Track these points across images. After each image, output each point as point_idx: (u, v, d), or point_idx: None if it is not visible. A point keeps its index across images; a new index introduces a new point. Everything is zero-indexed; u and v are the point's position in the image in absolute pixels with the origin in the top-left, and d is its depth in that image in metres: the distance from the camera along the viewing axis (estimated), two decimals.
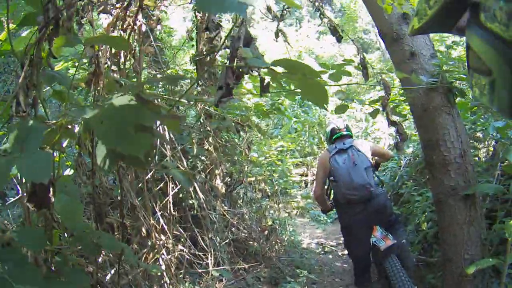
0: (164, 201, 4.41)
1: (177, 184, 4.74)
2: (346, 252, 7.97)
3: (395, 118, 3.68)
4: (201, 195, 5.18)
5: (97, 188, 3.07)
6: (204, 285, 4.77)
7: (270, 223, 6.21)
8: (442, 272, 3.95)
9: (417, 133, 5.35)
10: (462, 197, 3.43)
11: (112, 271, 3.06)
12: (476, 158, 5.44)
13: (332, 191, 5.04)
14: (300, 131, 11.01)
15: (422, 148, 4.01)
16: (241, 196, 6.85)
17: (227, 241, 5.92)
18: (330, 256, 7.74)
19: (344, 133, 4.94)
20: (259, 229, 6.28)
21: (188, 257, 4.76)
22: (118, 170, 2.40)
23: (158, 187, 4.54)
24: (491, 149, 5.48)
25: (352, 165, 4.32)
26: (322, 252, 7.94)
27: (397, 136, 3.71)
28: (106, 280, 2.97)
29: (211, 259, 5.01)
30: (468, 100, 4.33)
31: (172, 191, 4.56)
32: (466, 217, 3.40)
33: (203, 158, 5.79)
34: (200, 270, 4.93)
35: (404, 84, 3.95)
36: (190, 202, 5.35)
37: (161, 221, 4.19)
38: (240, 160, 6.34)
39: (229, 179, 6.45)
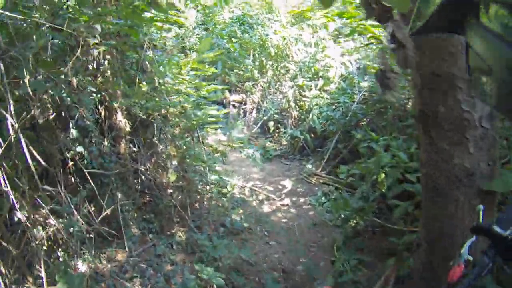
0: None
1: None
2: (284, 202, 6.88)
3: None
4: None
5: None
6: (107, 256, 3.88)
7: (173, 178, 4.69)
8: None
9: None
10: (480, 192, 2.05)
11: None
12: None
13: None
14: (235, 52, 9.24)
15: (414, 87, 2.34)
16: (155, 133, 5.21)
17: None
18: (266, 207, 6.49)
19: None
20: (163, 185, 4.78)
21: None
22: None
23: None
24: None
25: None
26: (256, 201, 6.68)
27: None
28: None
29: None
30: None
31: None
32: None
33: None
34: None
35: None
36: (79, 150, 3.70)
37: None
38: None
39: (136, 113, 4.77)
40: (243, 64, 9.84)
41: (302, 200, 6.87)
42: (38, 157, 2.61)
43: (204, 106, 5.28)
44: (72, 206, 3.11)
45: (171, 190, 4.82)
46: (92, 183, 3.36)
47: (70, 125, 3.54)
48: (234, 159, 9.08)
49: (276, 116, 9.78)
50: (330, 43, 9.59)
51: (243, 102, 11.18)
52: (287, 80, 10.81)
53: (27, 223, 2.73)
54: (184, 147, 5.21)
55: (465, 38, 0.88)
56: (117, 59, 4.54)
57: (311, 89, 8.90)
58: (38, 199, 2.81)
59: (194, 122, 4.88)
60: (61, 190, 3.13)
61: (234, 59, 9.67)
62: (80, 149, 3.56)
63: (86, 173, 3.27)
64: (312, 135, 8.60)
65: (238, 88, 11.18)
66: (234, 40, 9.29)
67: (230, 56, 9.31)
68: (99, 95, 4.23)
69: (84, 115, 3.68)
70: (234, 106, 11.19)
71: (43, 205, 2.78)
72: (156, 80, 4.98)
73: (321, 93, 8.73)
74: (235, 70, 10.53)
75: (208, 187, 5.79)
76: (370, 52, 9.26)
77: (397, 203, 4.35)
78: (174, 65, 4.77)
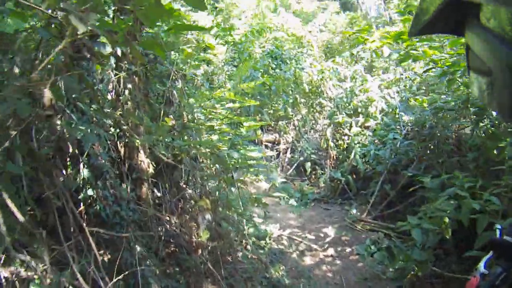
0: None
1: None
2: (328, 252, 6.06)
3: None
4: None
5: None
6: None
7: (206, 236, 3.96)
8: None
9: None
10: None
11: None
12: None
13: None
14: (270, 88, 8.62)
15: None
16: (183, 176, 4.58)
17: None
18: (308, 259, 5.68)
19: None
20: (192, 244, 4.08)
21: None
22: None
23: None
24: None
25: None
26: (297, 252, 5.87)
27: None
28: None
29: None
30: None
31: None
32: None
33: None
34: None
35: None
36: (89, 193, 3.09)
37: None
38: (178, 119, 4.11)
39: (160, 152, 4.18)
40: (278, 100, 9.25)
41: (348, 250, 6.03)
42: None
43: (242, 146, 4.54)
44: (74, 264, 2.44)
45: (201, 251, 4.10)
46: (101, 237, 2.69)
47: (81, 163, 2.93)
48: (268, 202, 8.35)
49: (313, 156, 9.05)
50: (368, 76, 8.97)
51: (276, 142, 10.54)
52: (321, 118, 10.18)
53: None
54: (218, 195, 4.53)
55: (465, 38, 0.82)
56: (139, 88, 4.00)
57: (351, 127, 8.18)
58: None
59: (231, 165, 4.18)
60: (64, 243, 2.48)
61: (268, 96, 9.10)
62: (90, 192, 2.93)
63: (87, 228, 2.60)
64: (354, 176, 7.81)
65: (270, 127, 10.58)
66: (266, 75, 8.77)
67: (264, 93, 8.75)
68: (117, 130, 3.65)
69: (98, 153, 3.08)
70: (266, 147, 10.55)
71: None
72: (185, 115, 4.40)
73: (362, 130, 8.00)
74: (265, 109, 9.99)
75: (244, 240, 5.05)
76: (410, 81, 8.59)
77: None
78: (205, 97, 4.16)
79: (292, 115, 10.05)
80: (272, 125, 10.51)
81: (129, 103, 4.20)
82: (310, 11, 16.83)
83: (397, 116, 7.63)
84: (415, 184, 5.98)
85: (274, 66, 9.18)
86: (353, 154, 7.63)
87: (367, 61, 10.24)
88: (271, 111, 10.25)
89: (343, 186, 7.91)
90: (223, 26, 7.90)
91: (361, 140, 7.62)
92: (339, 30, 12.61)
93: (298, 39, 10.60)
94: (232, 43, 11.05)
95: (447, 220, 4.37)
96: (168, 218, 4.19)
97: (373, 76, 9.08)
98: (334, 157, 8.84)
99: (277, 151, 10.40)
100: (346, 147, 8.38)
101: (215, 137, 4.08)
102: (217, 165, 4.32)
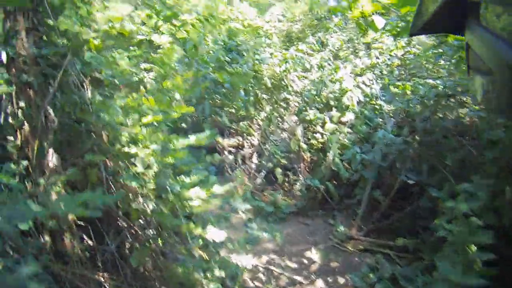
0: None
1: None
2: (317, 285, 4.88)
3: None
4: None
5: None
6: None
7: None
8: None
9: None
10: None
11: None
12: None
13: None
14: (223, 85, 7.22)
15: None
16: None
17: None
18: None
19: None
20: None
21: None
22: None
23: None
24: None
25: None
26: None
27: None
28: None
29: None
30: None
31: None
32: None
33: None
34: None
35: None
36: None
37: None
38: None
39: None
40: (236, 99, 7.92)
41: (341, 280, 4.88)
42: None
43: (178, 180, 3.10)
44: None
45: None
46: None
47: None
48: (237, 221, 7.07)
49: (283, 161, 7.80)
50: (339, 63, 7.80)
51: (240, 146, 9.25)
52: (288, 115, 8.96)
53: None
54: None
55: (465, 38, 0.82)
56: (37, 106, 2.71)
57: (324, 123, 6.99)
58: None
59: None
60: None
61: (224, 95, 7.76)
62: None
63: None
64: (335, 182, 6.65)
65: (232, 130, 9.29)
66: (219, 70, 7.40)
67: (218, 91, 7.40)
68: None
69: None
70: (230, 152, 9.25)
71: None
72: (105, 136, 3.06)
73: (338, 127, 6.83)
74: (225, 108, 8.67)
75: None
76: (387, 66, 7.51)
77: None
78: (122, 110, 2.80)
79: (254, 113, 8.76)
80: (233, 127, 9.23)
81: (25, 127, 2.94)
82: (266, 1, 15.52)
83: (378, 107, 6.53)
84: (410, 188, 4.91)
85: (228, 59, 7.83)
86: (331, 156, 6.46)
87: (334, 47, 9.08)
88: (233, 110, 8.94)
89: (322, 195, 6.74)
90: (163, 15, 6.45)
91: (338, 138, 6.43)
92: (298, 18, 11.44)
93: (255, 29, 9.28)
94: (183, 38, 9.63)
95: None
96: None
97: (344, 61, 7.90)
98: (308, 159, 7.65)
99: (242, 156, 9.11)
100: (321, 147, 7.20)
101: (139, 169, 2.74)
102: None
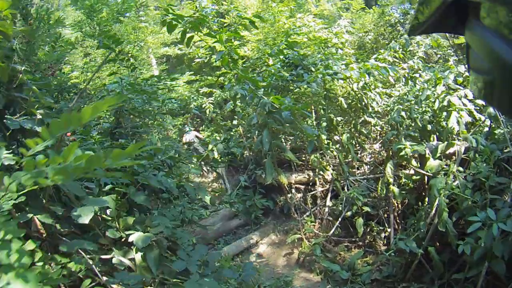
0: None
1: None
2: None
3: None
4: None
5: None
6: None
7: None
8: None
9: None
10: None
11: None
12: None
13: None
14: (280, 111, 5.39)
15: None
16: None
17: None
18: None
19: None
20: None
21: None
22: None
23: None
24: None
25: None
26: None
27: None
28: None
29: None
30: None
31: None
32: None
33: None
34: None
35: None
36: None
37: None
38: None
39: None
40: (298, 129, 6.11)
41: None
42: None
43: None
44: None
45: None
46: None
47: None
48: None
49: (366, 208, 5.79)
50: (433, 72, 5.70)
51: (311, 183, 7.41)
52: (369, 143, 6.97)
53: None
54: None
55: (465, 38, 0.77)
56: None
57: (426, 159, 4.91)
58: None
59: None
60: None
61: (286, 121, 5.92)
62: None
63: None
64: (438, 244, 4.55)
65: (301, 164, 7.50)
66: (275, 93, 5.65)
67: (275, 117, 5.64)
68: None
69: None
70: (297, 190, 7.46)
71: None
72: None
73: (446, 163, 4.76)
74: (283, 136, 6.90)
75: None
76: None
77: None
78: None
79: (328, 143, 6.89)
80: (302, 160, 7.44)
81: None
82: (332, 12, 13.59)
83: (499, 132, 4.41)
84: None
85: (292, 76, 6.09)
86: (435, 209, 4.39)
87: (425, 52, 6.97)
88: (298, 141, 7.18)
89: (420, 262, 4.66)
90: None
91: (446, 182, 4.34)
92: (369, 28, 9.48)
93: (323, 42, 7.44)
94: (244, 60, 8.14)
95: None
96: None
97: (442, 70, 5.76)
98: (399, 207, 5.60)
99: (312, 196, 7.25)
100: (418, 190, 5.14)
101: None
102: None
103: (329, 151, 6.86)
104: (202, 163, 6.46)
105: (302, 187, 7.45)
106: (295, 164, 7.49)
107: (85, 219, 2.34)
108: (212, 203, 5.16)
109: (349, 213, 6.02)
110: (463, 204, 3.87)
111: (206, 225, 5.90)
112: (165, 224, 2.78)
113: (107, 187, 2.79)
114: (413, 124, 5.45)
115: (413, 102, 5.39)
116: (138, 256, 2.64)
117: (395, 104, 5.73)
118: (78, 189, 2.42)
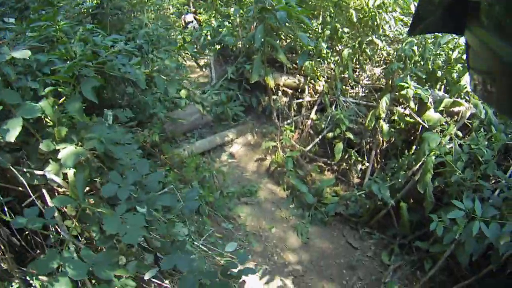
0: None
1: None
2: None
3: None
4: None
5: None
6: None
7: None
8: None
9: None
10: None
11: None
12: None
13: None
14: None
15: None
16: None
17: None
18: None
19: None
20: None
21: None
22: None
23: None
24: None
25: None
26: None
27: None
28: None
29: None
30: None
31: None
32: None
33: None
34: None
35: None
36: None
37: None
38: None
39: None
40: (300, 34, 5.48)
41: None
42: None
43: None
44: None
45: None
46: None
47: None
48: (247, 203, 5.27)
49: (349, 134, 5.56)
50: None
51: (299, 89, 7.01)
52: (370, 66, 6.45)
53: None
54: None
55: (465, 38, 0.80)
56: None
57: (426, 108, 4.56)
58: None
59: None
60: None
61: (281, 22, 5.18)
62: None
63: None
64: (411, 201, 4.47)
65: (294, 67, 6.97)
66: None
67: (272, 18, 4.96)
68: None
69: None
70: (284, 93, 7.06)
71: None
72: None
73: (446, 120, 4.44)
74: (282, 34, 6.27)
75: None
76: None
77: None
78: None
79: (327, 53, 6.34)
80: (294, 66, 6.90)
81: None
82: None
83: None
84: None
85: None
86: (419, 165, 4.20)
87: None
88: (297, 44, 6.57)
89: (388, 214, 4.63)
90: None
91: (440, 142, 4.07)
92: None
93: None
94: None
95: None
96: None
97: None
98: (383, 145, 5.38)
99: (297, 104, 6.90)
100: (409, 136, 4.89)
101: None
102: None
103: (326, 61, 6.37)
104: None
105: (290, 91, 7.05)
106: (286, 67, 6.98)
107: (12, 136, 1.96)
108: (188, 98, 4.83)
109: (330, 134, 5.77)
110: (451, 178, 3.65)
111: (177, 118, 5.58)
112: (101, 137, 2.28)
113: (47, 89, 2.29)
114: (422, 64, 4.96)
115: (430, 41, 4.81)
116: (71, 173, 2.26)
117: (409, 37, 5.13)
118: (13, 96, 2.00)
